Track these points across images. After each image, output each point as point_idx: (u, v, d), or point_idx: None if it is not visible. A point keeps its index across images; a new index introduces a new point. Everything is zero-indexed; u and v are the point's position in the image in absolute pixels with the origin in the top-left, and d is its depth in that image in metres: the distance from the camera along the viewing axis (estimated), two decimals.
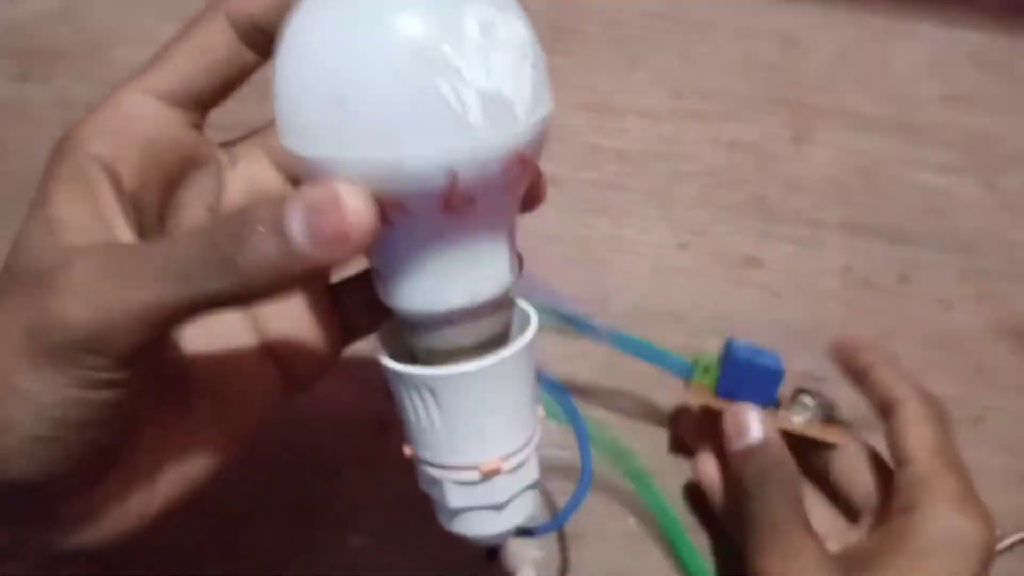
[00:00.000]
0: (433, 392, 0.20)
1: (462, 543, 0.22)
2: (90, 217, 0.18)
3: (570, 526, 0.32)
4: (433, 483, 0.22)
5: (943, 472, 0.26)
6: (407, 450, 0.22)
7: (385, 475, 0.32)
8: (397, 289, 0.19)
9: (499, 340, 0.21)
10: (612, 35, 0.45)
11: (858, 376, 0.30)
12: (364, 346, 0.28)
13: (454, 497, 0.21)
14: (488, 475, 0.21)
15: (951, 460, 0.27)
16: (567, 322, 0.31)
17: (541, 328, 0.21)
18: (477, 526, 0.22)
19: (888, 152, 0.42)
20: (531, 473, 0.22)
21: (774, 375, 0.29)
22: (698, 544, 0.32)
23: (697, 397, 0.30)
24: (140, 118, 0.20)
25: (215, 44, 0.20)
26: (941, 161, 0.42)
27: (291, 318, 0.23)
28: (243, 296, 0.17)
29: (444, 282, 0.19)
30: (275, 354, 0.23)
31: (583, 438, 0.27)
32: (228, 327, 0.22)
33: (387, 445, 0.33)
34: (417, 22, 0.16)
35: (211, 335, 0.22)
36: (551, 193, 0.39)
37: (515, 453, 0.21)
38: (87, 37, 0.42)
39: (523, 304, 0.22)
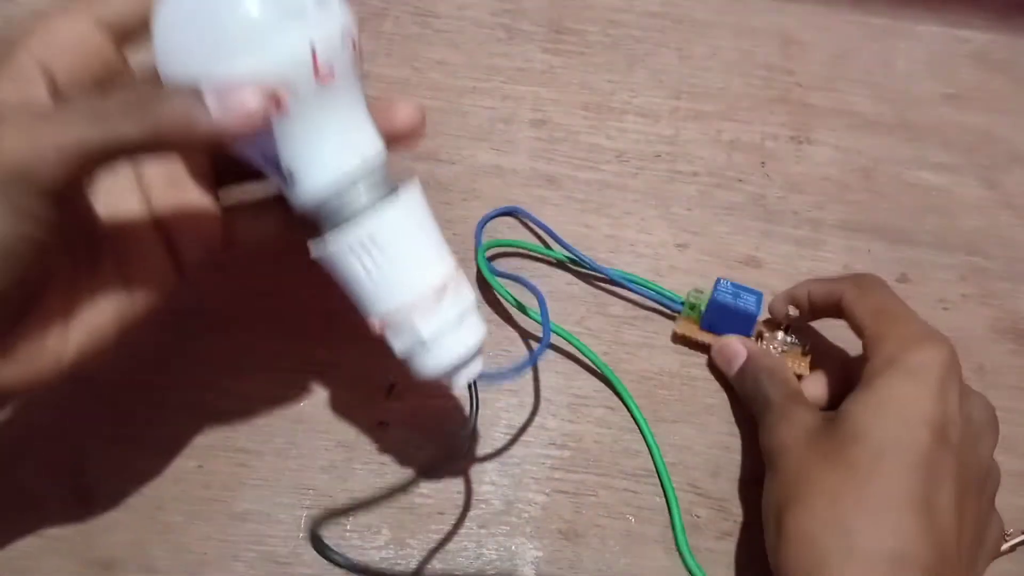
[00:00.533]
0: (373, 238, 0.24)
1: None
2: (18, 98, 0.22)
3: (570, 526, 0.32)
4: (403, 331, 0.25)
5: (886, 324, 0.29)
6: (374, 326, 0.26)
7: (385, 467, 0.32)
8: (305, 175, 0.24)
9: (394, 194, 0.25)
10: (612, 35, 0.45)
11: (811, 311, 0.34)
12: (362, 351, 0.28)
13: (424, 327, 0.25)
14: (441, 291, 0.25)
15: (891, 312, 0.30)
16: (572, 260, 0.36)
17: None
18: (450, 351, 0.26)
19: (888, 152, 0.42)
20: (470, 291, 0.26)
21: (750, 317, 0.34)
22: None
23: (683, 329, 0.35)
24: (78, 35, 0.23)
25: None
26: (941, 161, 0.42)
27: (180, 204, 0.27)
28: (152, 145, 0.21)
29: (339, 148, 0.24)
30: (166, 234, 0.26)
31: (542, 303, 0.32)
32: (127, 204, 0.26)
33: (387, 443, 0.33)
34: None
35: (114, 210, 0.26)
36: (551, 193, 0.40)
37: (454, 272, 0.26)
38: None
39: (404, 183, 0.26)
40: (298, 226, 0.26)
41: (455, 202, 0.39)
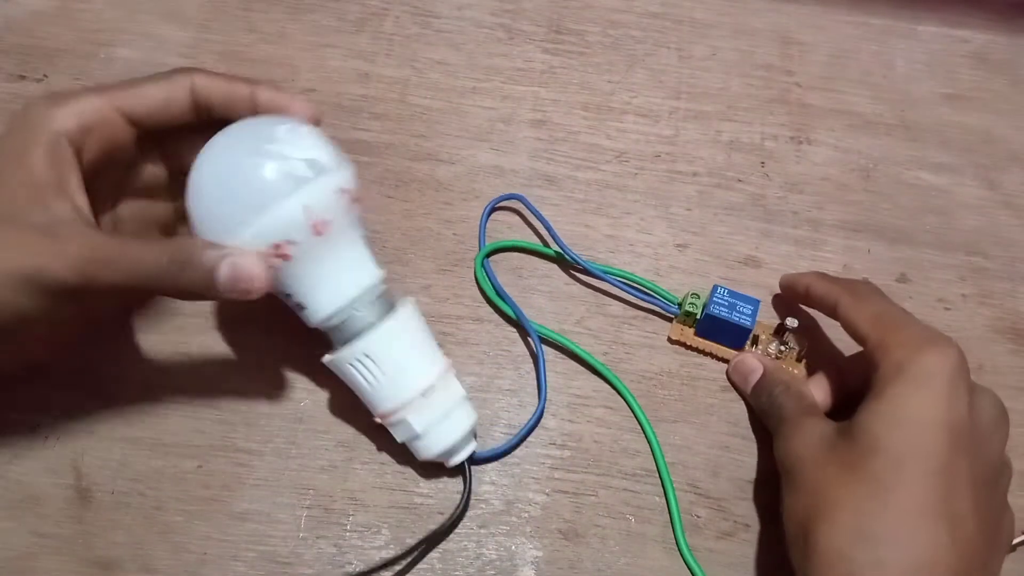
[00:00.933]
0: (370, 355, 0.29)
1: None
2: (59, 179, 0.26)
3: (570, 526, 0.32)
4: (402, 425, 0.30)
5: (888, 331, 0.29)
6: (376, 420, 0.30)
7: (385, 467, 0.32)
8: (312, 304, 0.29)
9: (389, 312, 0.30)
10: (612, 35, 0.45)
11: (805, 300, 0.35)
12: None
13: (417, 422, 0.29)
14: (429, 391, 0.29)
15: (891, 318, 0.30)
16: (569, 261, 0.36)
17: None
18: (440, 440, 0.30)
19: (887, 152, 0.42)
20: (458, 389, 0.31)
21: (744, 331, 0.34)
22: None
23: (679, 335, 0.36)
24: (107, 122, 0.28)
25: (178, 101, 0.29)
26: (941, 161, 0.42)
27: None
28: (169, 294, 0.27)
29: (339, 282, 0.29)
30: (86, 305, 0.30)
31: (540, 356, 0.34)
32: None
33: (387, 443, 0.33)
34: (256, 142, 0.27)
35: None
36: (551, 193, 0.40)
37: (440, 376, 0.30)
38: (84, 35, 0.42)
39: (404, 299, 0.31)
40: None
41: (455, 202, 0.39)
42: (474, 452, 0.32)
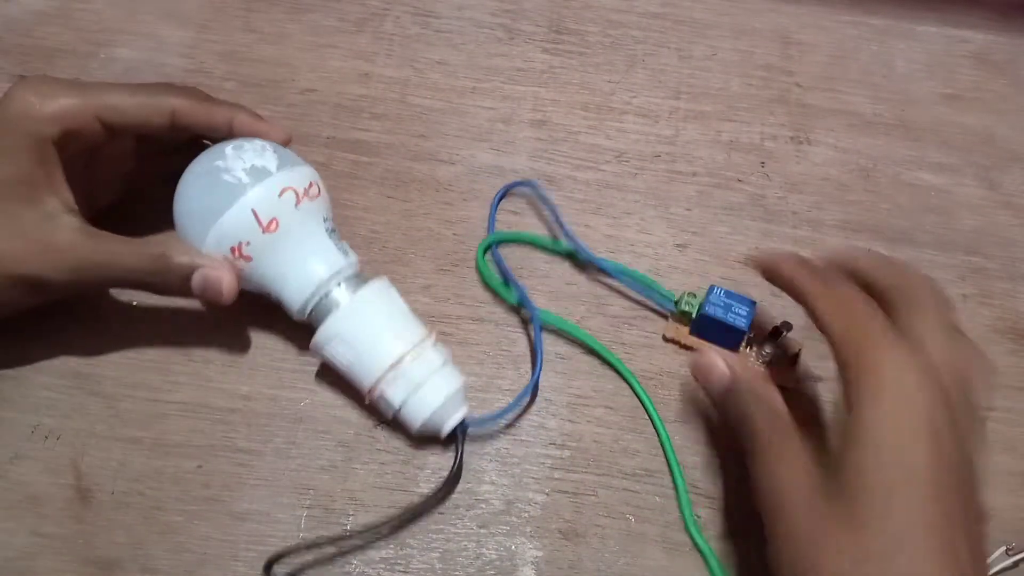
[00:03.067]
0: (339, 335, 0.30)
1: None
2: (47, 177, 0.30)
3: (570, 526, 0.32)
4: (382, 400, 0.31)
5: (856, 338, 0.27)
6: (366, 399, 0.31)
7: (385, 467, 0.32)
8: (285, 298, 0.31)
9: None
10: (612, 35, 0.45)
11: (784, 286, 0.31)
12: None
13: (395, 395, 0.30)
14: (398, 364, 0.30)
15: (855, 322, 0.27)
16: (567, 249, 0.36)
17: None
18: (422, 407, 0.30)
19: (887, 152, 0.42)
20: (434, 357, 0.31)
21: (738, 332, 0.34)
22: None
23: (672, 332, 0.36)
24: (87, 130, 0.31)
25: (157, 123, 0.31)
26: (940, 161, 0.42)
27: None
28: (151, 291, 0.31)
29: (300, 274, 0.31)
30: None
31: (536, 324, 0.33)
32: None
33: (387, 443, 0.33)
34: (209, 163, 0.31)
35: None
36: (551, 193, 0.40)
37: (414, 345, 0.31)
38: (84, 35, 0.42)
39: (381, 280, 0.32)
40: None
41: (455, 202, 0.39)
42: (465, 419, 0.31)
